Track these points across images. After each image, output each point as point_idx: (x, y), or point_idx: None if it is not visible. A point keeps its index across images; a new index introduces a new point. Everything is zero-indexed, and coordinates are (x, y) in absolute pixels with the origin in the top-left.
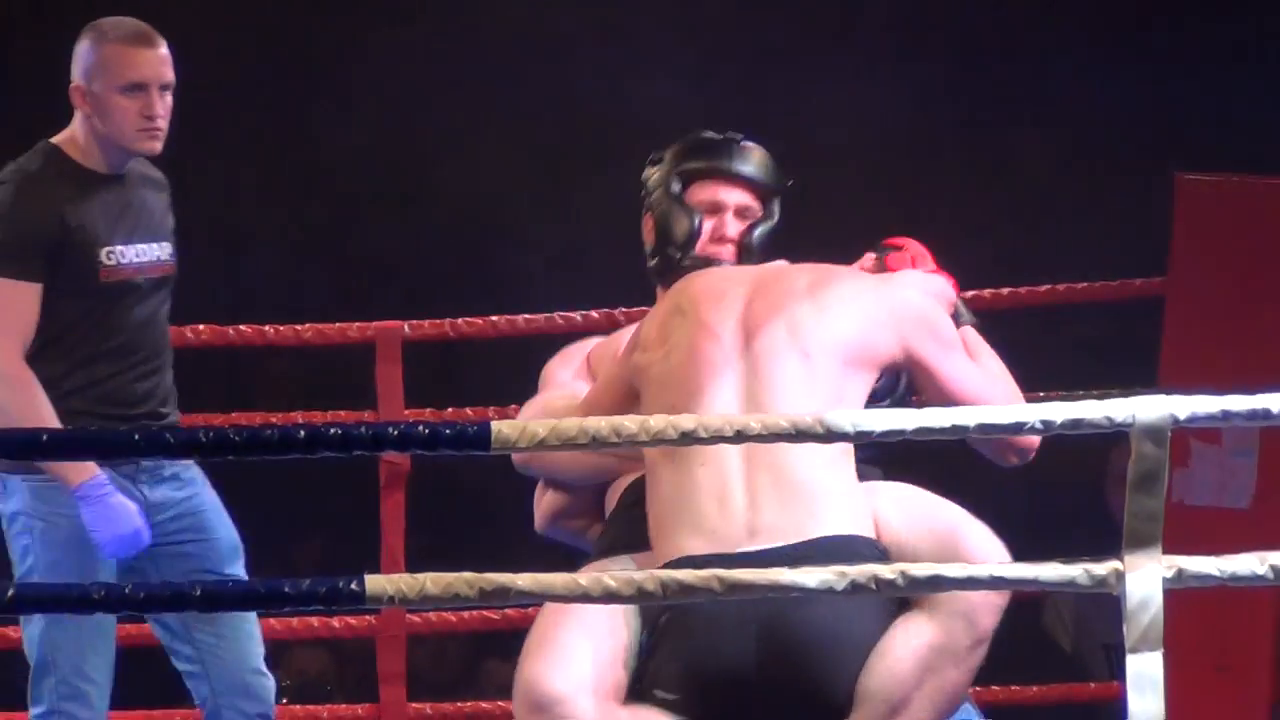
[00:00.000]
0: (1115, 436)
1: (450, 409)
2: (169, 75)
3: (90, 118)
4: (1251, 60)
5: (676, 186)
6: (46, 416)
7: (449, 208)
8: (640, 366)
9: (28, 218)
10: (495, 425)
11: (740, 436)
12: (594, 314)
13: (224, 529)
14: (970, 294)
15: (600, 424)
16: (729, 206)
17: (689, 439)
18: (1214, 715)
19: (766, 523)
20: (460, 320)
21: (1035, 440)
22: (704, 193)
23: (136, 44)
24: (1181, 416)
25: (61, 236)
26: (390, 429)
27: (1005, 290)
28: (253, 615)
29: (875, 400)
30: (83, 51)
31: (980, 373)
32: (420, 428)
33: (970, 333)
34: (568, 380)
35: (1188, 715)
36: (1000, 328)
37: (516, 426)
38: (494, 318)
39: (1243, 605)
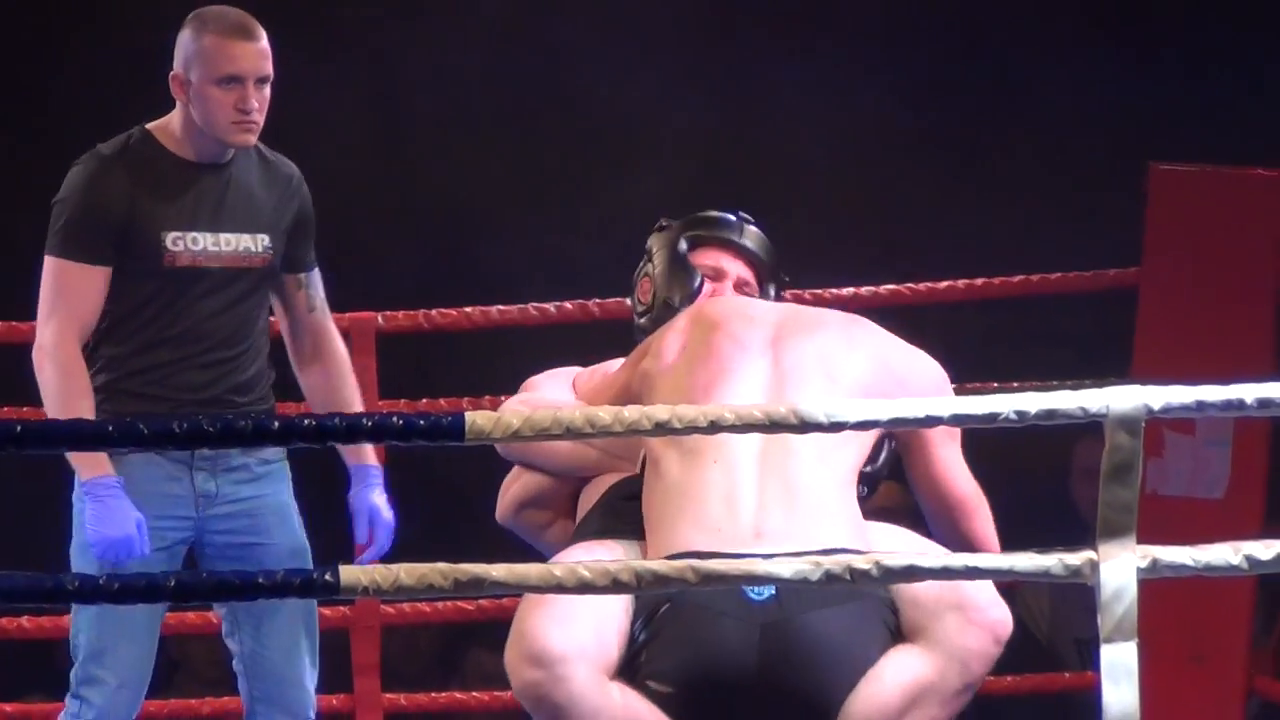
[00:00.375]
0: (1080, 430)
1: (424, 400)
2: (267, 69)
3: (187, 106)
4: (1226, 52)
5: (683, 247)
6: (81, 406)
7: (425, 199)
8: (650, 374)
9: (96, 201)
10: (470, 416)
11: (714, 427)
12: (568, 305)
13: (283, 532)
14: (944, 284)
15: (574, 415)
16: (730, 275)
17: (663, 430)
18: (1188, 705)
19: (773, 527)
20: (434, 311)
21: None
22: (708, 258)
23: (235, 36)
24: (1156, 407)
25: (127, 221)
26: (364, 420)
27: (979, 281)
28: (304, 629)
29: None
30: (183, 41)
31: (966, 472)
32: (395, 419)
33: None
34: (552, 389)
35: (1162, 705)
36: (975, 318)
37: (490, 418)
38: (468, 309)
39: (1217, 595)
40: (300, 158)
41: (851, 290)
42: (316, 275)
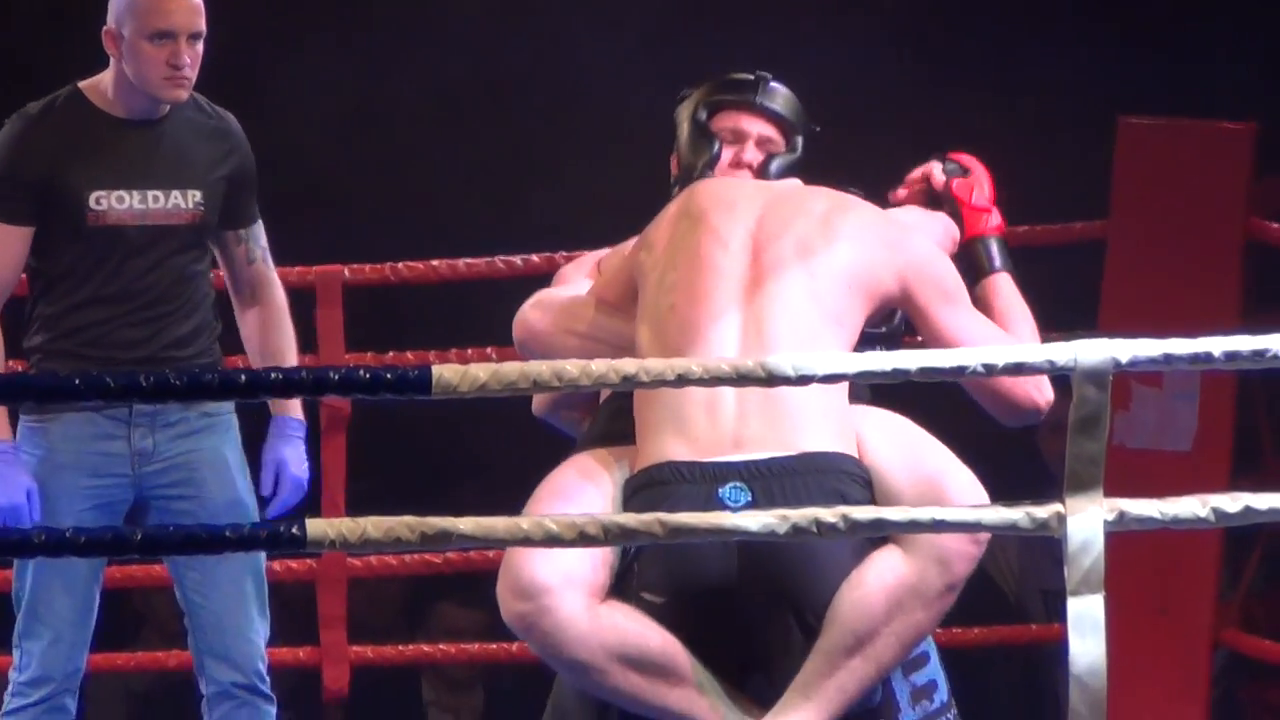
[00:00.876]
0: (1053, 381)
1: (391, 354)
2: (199, 24)
3: (120, 62)
4: (1193, 5)
5: (702, 115)
6: None
7: (394, 154)
8: (644, 267)
9: (17, 161)
10: (436, 369)
11: (681, 381)
12: (535, 258)
13: (220, 486)
14: None
15: (541, 368)
16: (751, 135)
17: (630, 382)
18: (1155, 658)
19: (752, 434)
20: (400, 264)
21: (1036, 399)
22: (727, 121)
23: None
24: (1123, 360)
25: (50, 180)
26: (331, 373)
27: None
28: (250, 581)
29: (871, 328)
30: None
31: (982, 327)
32: (361, 372)
33: (1001, 281)
34: (577, 279)
35: (1129, 658)
36: None
37: (458, 371)
38: (434, 261)
39: (1184, 548)
40: (272, 113)
41: None
42: (258, 228)
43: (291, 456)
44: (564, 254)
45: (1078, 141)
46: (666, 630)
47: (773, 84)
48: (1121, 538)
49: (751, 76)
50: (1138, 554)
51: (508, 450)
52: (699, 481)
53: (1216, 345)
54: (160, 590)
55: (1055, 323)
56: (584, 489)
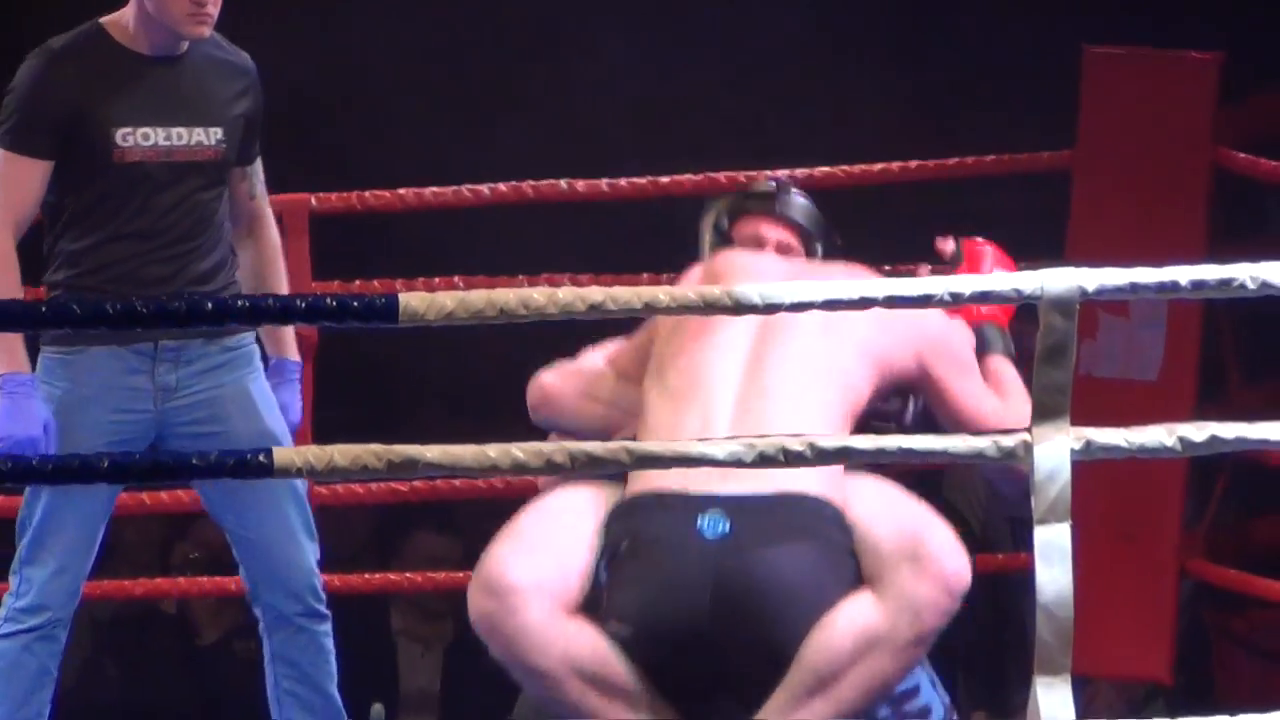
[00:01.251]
0: (1016, 312)
1: (358, 282)
2: None
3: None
4: None
5: (724, 222)
6: (7, 295)
7: (360, 80)
8: (659, 327)
9: (41, 94)
10: (403, 298)
11: (648, 309)
12: (502, 187)
13: (245, 419)
14: (879, 167)
15: (509, 297)
16: (770, 241)
17: (597, 310)
18: (1120, 584)
19: (739, 473)
20: (367, 193)
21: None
22: (748, 227)
23: None
24: (1090, 289)
25: (75, 116)
26: (298, 301)
27: (914, 164)
28: (292, 508)
29: (887, 417)
30: None
31: (993, 399)
32: (328, 300)
33: (1000, 363)
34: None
35: (1094, 585)
36: (909, 200)
37: (424, 299)
38: (401, 190)
39: (1150, 477)
40: (240, 45)
41: (786, 172)
42: (259, 165)
43: (289, 401)
44: (531, 183)
45: (1044, 72)
46: (630, 661)
47: (794, 193)
48: (1088, 466)
49: (773, 185)
50: (1104, 483)
51: (475, 379)
52: (680, 509)
53: (1183, 275)
54: (128, 520)
55: (1022, 252)
56: (570, 509)
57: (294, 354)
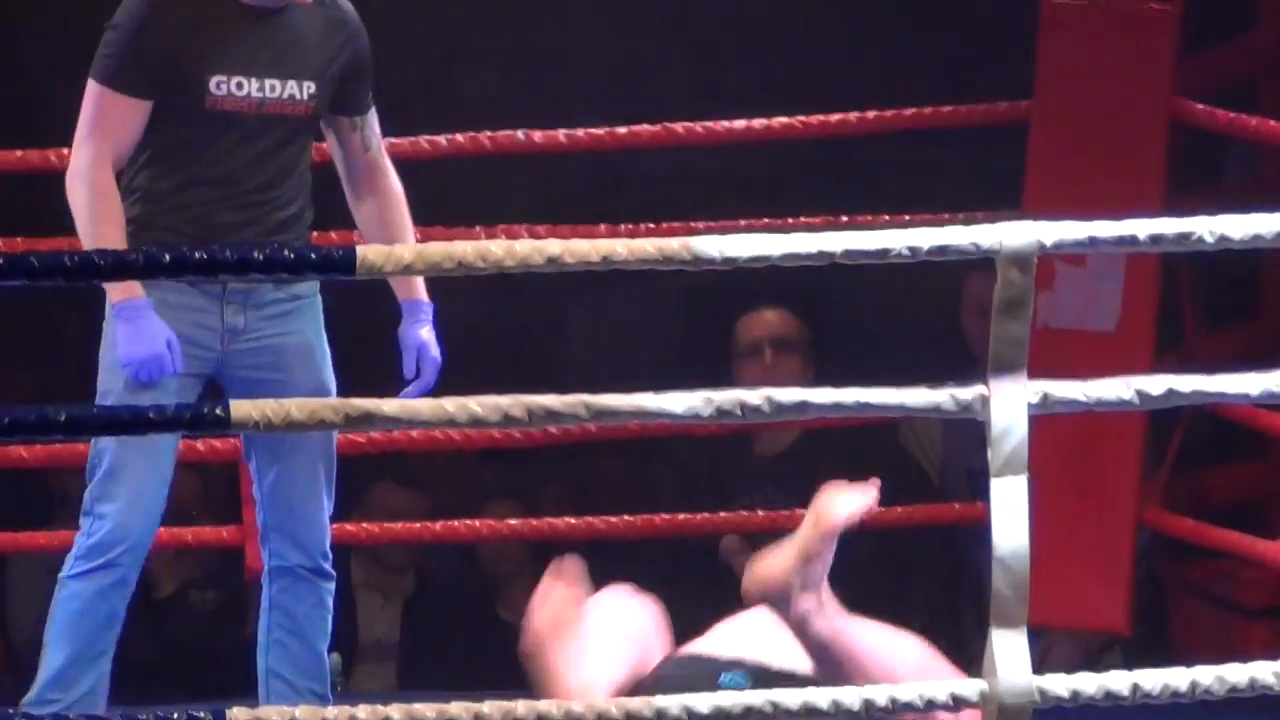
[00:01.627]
0: (972, 262)
1: (314, 233)
2: None
3: None
4: None
5: None
6: (111, 230)
7: None
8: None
9: (142, 35)
10: (360, 249)
11: (606, 261)
12: (459, 137)
13: (306, 371)
14: (836, 117)
15: (466, 249)
16: None
17: (554, 264)
18: (1078, 539)
19: (773, 645)
20: (324, 143)
21: None
22: None
23: None
24: (1048, 243)
25: (175, 59)
26: (255, 252)
27: (870, 114)
28: (323, 470)
29: None
30: None
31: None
32: (285, 251)
33: None
34: None
35: (1051, 539)
36: (866, 150)
37: (382, 252)
38: None
39: (1108, 429)
40: None
41: (744, 123)
42: (372, 116)
43: (429, 339)
44: (489, 134)
45: (1002, 21)
46: None
47: None
48: (1045, 419)
49: None
50: (1061, 435)
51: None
52: (707, 667)
53: (1141, 228)
54: (78, 471)
55: (980, 204)
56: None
57: (423, 294)
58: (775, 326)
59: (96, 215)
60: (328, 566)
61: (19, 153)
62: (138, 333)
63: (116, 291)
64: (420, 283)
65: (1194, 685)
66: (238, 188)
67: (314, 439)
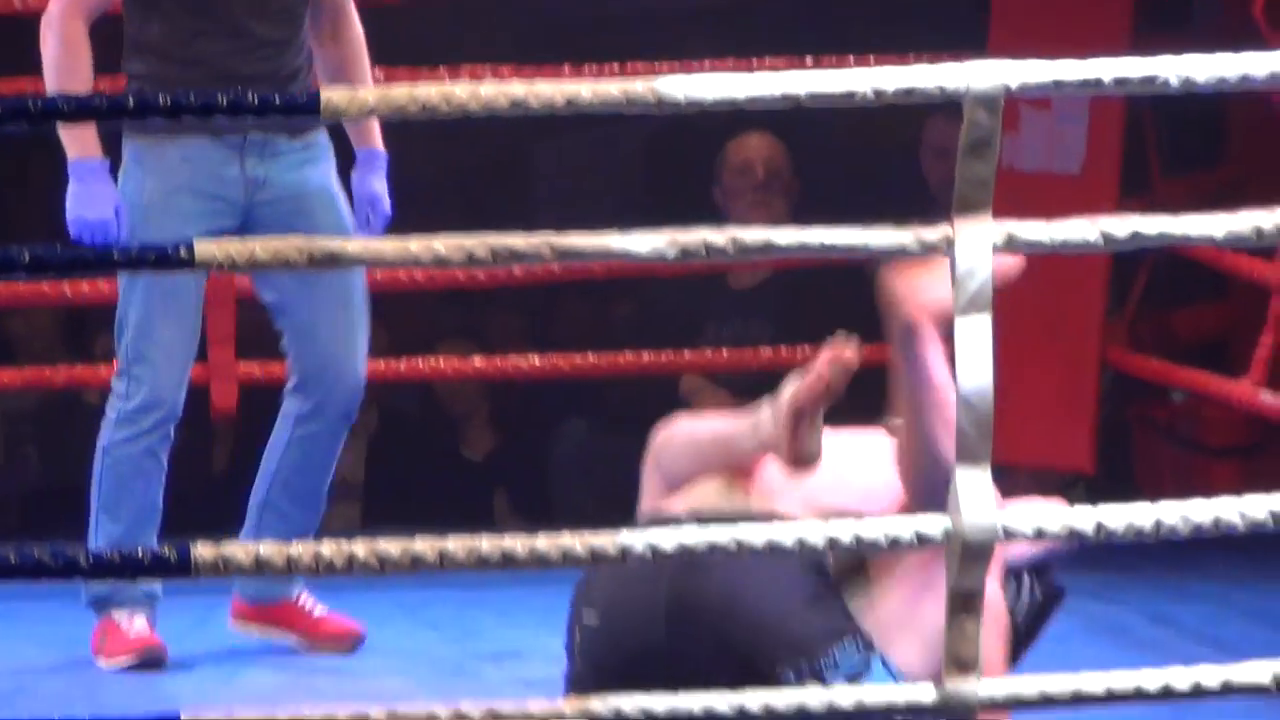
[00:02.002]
0: (932, 106)
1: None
2: None
3: None
4: None
5: None
6: (78, 80)
7: None
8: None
9: None
10: (325, 92)
11: (571, 105)
12: None
13: (328, 215)
14: None
15: (430, 93)
16: None
17: (519, 107)
18: (1043, 378)
19: None
20: None
21: None
22: None
23: None
24: (1014, 86)
25: None
26: (219, 97)
27: None
28: (360, 320)
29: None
30: None
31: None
32: (250, 96)
33: None
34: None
35: (1016, 379)
36: None
37: (346, 95)
38: None
39: (1072, 270)
40: None
41: None
42: None
43: (381, 191)
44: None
45: None
46: (600, 654)
47: None
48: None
49: None
50: (1026, 276)
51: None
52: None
53: (1107, 70)
54: (37, 311)
55: (945, 45)
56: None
57: (378, 144)
58: (764, 149)
59: (66, 66)
60: (355, 413)
61: None
62: (87, 194)
63: (73, 148)
64: (377, 132)
65: (1159, 524)
66: (248, 39)
67: (350, 284)
